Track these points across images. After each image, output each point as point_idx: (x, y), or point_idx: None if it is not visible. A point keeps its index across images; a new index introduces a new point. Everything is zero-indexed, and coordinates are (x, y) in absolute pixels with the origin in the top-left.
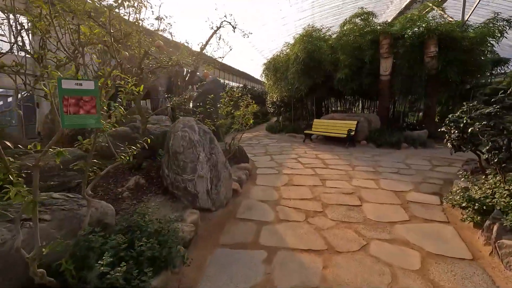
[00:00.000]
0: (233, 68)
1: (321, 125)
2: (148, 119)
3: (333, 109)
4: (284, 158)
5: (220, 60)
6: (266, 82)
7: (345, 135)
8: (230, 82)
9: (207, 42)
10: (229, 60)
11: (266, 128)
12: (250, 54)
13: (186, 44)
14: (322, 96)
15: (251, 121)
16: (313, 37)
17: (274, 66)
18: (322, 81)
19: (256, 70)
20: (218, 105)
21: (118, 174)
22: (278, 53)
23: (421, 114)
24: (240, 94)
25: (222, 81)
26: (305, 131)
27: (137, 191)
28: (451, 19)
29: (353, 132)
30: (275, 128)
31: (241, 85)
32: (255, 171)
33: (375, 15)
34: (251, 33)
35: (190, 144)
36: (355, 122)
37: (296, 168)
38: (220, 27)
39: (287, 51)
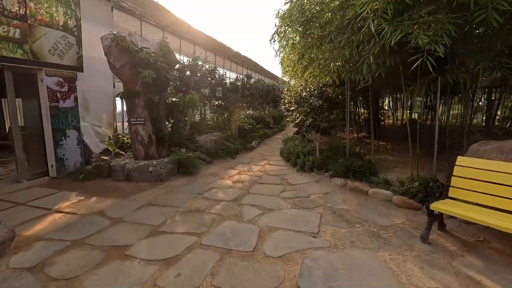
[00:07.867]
0: (230, 49)
1: None
2: None
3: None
4: None
5: None
6: (283, 55)
7: None
8: (227, 71)
9: None
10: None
11: (281, 153)
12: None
13: None
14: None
15: None
16: None
17: (303, 13)
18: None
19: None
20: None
21: None
22: None
23: None
24: None
25: (215, 68)
26: (431, 205)
27: None
28: None
29: None
30: (303, 157)
31: (240, 76)
32: None
33: None
34: None
35: None
36: None
37: None
38: None
39: None
